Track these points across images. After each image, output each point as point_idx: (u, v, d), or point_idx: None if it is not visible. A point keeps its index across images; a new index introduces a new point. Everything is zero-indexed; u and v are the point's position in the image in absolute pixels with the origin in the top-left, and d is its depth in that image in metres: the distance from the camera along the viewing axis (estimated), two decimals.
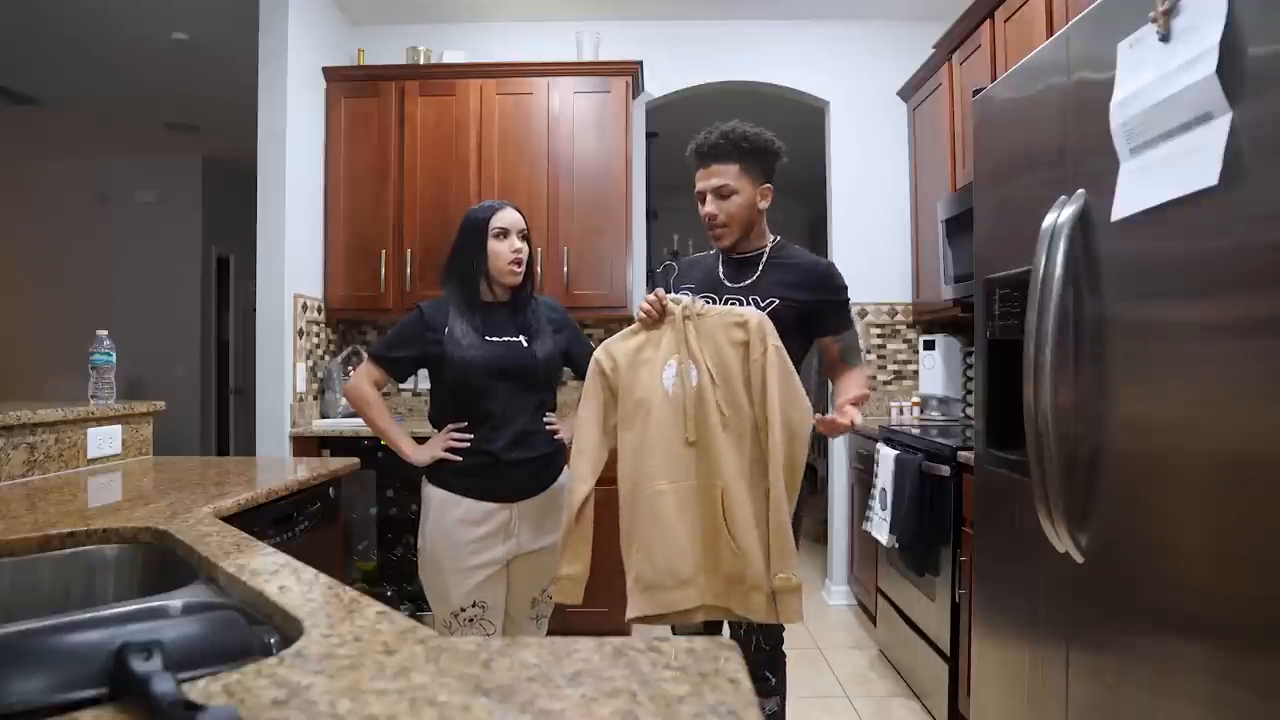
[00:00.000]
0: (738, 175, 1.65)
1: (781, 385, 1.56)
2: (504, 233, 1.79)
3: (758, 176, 1.68)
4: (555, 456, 1.86)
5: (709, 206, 1.67)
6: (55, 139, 5.21)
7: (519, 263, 1.79)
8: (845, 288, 1.74)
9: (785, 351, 1.56)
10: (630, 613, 1.54)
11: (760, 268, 1.70)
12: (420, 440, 1.86)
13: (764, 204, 1.70)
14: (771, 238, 1.76)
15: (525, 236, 1.84)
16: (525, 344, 1.80)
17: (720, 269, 1.75)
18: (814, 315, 1.67)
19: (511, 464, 1.76)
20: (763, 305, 1.65)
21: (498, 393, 1.76)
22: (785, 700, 1.79)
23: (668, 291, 1.68)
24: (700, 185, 1.68)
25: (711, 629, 1.81)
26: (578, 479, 1.63)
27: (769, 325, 1.57)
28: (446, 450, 1.77)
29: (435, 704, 0.53)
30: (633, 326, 1.67)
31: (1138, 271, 1.23)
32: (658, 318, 1.61)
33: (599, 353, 1.68)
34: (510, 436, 1.76)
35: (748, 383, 1.57)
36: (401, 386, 3.60)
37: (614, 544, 1.64)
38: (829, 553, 3.69)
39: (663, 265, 1.95)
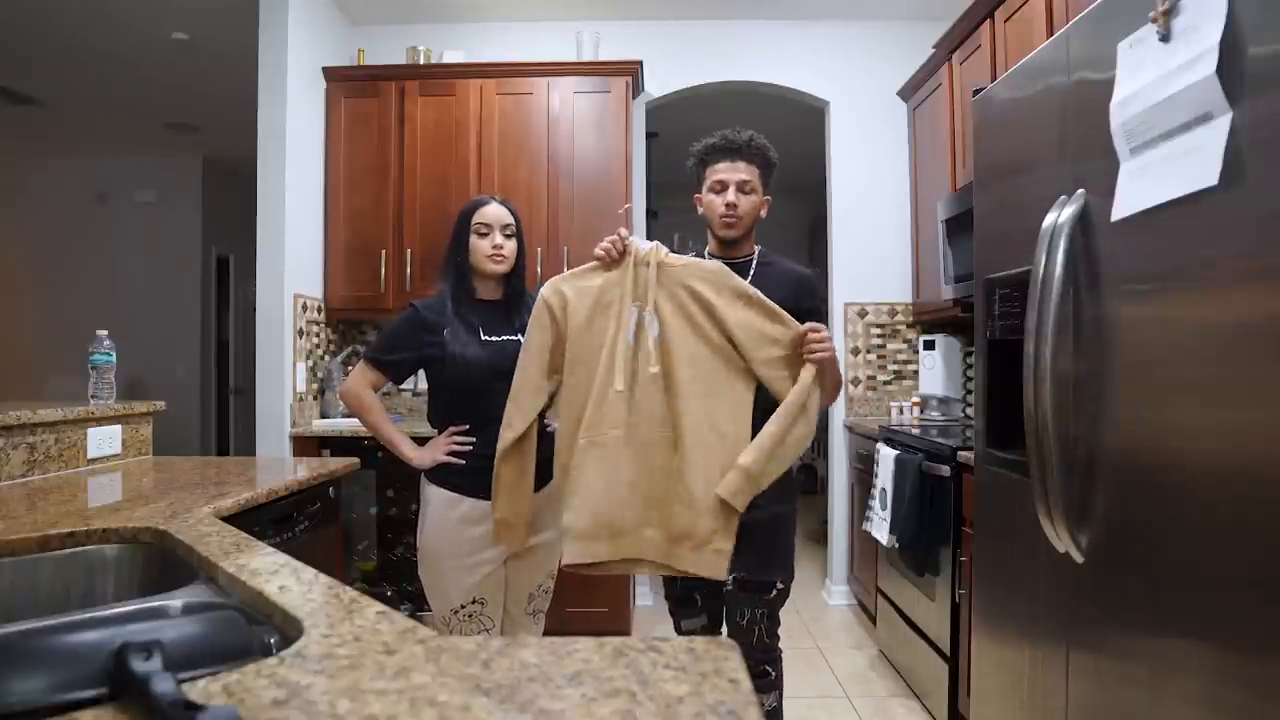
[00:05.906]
0: (759, 178, 1.75)
1: (744, 329, 1.53)
2: (486, 228, 1.80)
3: (766, 186, 1.78)
4: (550, 457, 1.86)
5: (732, 196, 1.71)
6: (55, 139, 5.21)
7: (498, 257, 1.80)
8: (823, 299, 1.84)
9: (756, 291, 1.56)
10: (563, 559, 1.55)
11: (748, 276, 1.73)
12: (420, 441, 1.85)
13: (763, 213, 1.79)
14: (757, 248, 1.82)
15: (513, 233, 1.83)
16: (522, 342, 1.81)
17: None
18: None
19: None
20: None
21: (497, 395, 1.75)
22: (783, 696, 1.81)
23: (631, 234, 1.66)
24: (725, 176, 1.72)
25: (712, 628, 1.81)
26: (505, 424, 1.63)
27: (735, 277, 1.57)
28: (448, 454, 1.77)
29: (435, 704, 0.53)
30: (589, 265, 1.64)
31: (1138, 271, 1.23)
32: (617, 258, 1.61)
33: (547, 291, 1.62)
34: None
35: (718, 333, 1.54)
36: (401, 387, 3.60)
37: None
38: (829, 553, 3.69)
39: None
